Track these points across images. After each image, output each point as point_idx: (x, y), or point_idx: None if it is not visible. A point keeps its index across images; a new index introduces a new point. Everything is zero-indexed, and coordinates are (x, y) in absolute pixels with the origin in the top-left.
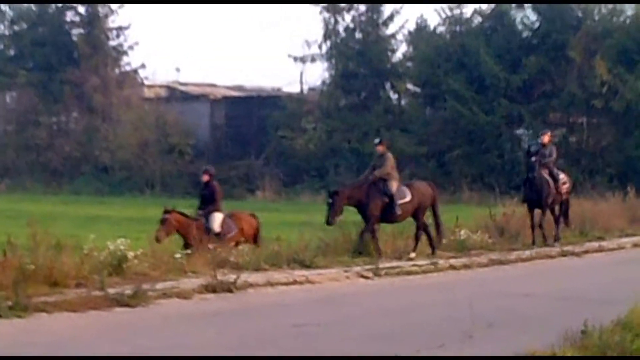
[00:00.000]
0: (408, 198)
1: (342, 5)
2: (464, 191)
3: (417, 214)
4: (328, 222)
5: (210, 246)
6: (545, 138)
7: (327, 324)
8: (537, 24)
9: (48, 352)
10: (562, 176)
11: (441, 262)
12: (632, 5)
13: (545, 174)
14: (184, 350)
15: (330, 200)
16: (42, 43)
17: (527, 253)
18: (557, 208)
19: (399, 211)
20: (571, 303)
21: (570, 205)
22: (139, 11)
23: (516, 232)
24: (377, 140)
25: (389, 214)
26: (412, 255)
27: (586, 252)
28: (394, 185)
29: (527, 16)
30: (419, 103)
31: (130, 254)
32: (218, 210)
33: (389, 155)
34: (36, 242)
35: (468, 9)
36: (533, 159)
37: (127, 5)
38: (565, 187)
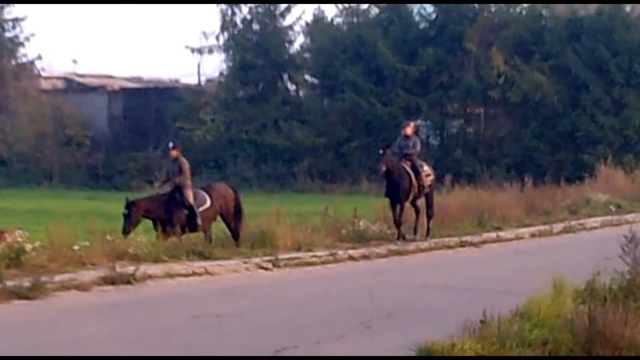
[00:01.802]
0: (208, 204)
1: None
2: (363, 182)
3: (224, 219)
4: (124, 232)
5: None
6: (408, 130)
7: (227, 315)
8: (433, 15)
9: None
10: (425, 168)
11: (340, 252)
12: None
13: (407, 166)
14: (83, 342)
15: (126, 212)
16: None
17: (426, 244)
18: (421, 201)
19: (200, 221)
20: (470, 293)
21: (433, 199)
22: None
23: (414, 223)
24: (171, 145)
25: (191, 226)
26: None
27: (484, 242)
28: (190, 195)
29: (424, 7)
30: (317, 94)
31: (29, 246)
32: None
33: (184, 159)
34: None
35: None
36: (381, 151)
37: None
38: (429, 180)
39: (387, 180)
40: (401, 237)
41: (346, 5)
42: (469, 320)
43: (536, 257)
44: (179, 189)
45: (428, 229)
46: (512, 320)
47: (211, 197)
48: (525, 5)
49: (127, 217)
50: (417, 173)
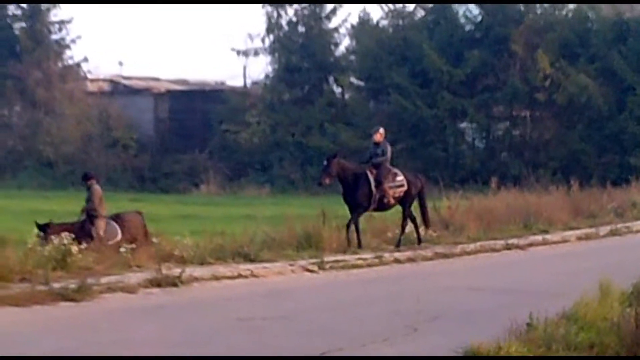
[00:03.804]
0: (119, 237)
1: None
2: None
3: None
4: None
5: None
6: (377, 136)
7: (272, 317)
8: (479, 18)
9: None
10: (399, 178)
11: (386, 255)
12: None
13: (370, 175)
14: (129, 344)
15: (41, 234)
16: None
17: (472, 246)
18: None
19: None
20: (516, 296)
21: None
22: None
23: (461, 226)
24: (85, 174)
25: None
26: None
27: (530, 245)
28: (102, 226)
29: (469, 10)
30: (363, 97)
31: (75, 248)
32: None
33: (96, 187)
34: None
35: (410, 3)
36: (325, 162)
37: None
38: (398, 191)
39: (342, 187)
40: (353, 244)
41: (392, 7)
42: (515, 323)
43: (582, 260)
44: (89, 218)
45: (418, 237)
46: (558, 323)
47: (122, 229)
48: (571, 7)
49: (42, 239)
50: (379, 183)
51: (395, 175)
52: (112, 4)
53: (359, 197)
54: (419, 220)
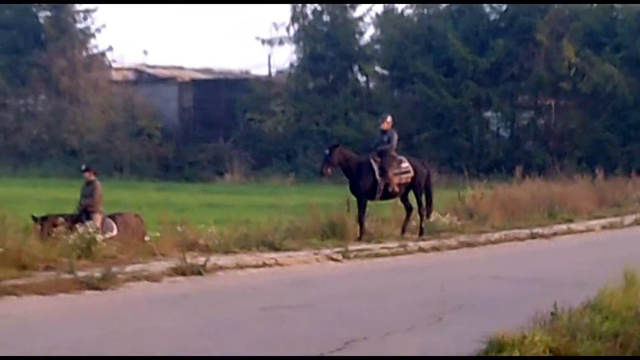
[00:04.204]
0: (114, 233)
1: None
2: (433, 174)
3: None
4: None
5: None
6: (385, 124)
7: (297, 306)
8: (504, 7)
9: (18, 335)
10: (404, 165)
11: (410, 244)
12: None
13: (374, 163)
14: (153, 333)
15: (39, 226)
16: (8, 26)
17: (496, 235)
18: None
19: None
20: (540, 285)
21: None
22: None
23: (485, 215)
24: (83, 167)
25: None
26: None
27: (555, 234)
28: (98, 220)
29: None
30: (387, 86)
31: (99, 237)
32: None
33: (98, 184)
34: (4, 225)
35: None
36: (327, 151)
37: None
38: (404, 177)
39: (347, 177)
40: (363, 234)
41: None
42: (539, 312)
43: (607, 249)
44: (86, 212)
45: (421, 228)
46: (582, 312)
47: (117, 226)
48: None
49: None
50: (384, 171)
51: (401, 162)
52: None
53: (363, 186)
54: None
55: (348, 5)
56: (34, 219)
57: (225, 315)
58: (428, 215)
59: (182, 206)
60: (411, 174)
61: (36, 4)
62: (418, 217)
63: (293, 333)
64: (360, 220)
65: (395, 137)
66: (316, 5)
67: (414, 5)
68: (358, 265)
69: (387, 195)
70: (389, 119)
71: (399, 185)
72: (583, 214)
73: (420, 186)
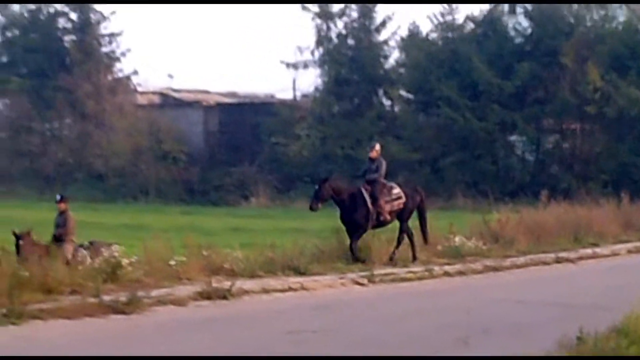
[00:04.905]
0: (87, 264)
1: (335, 11)
2: (458, 197)
3: None
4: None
5: None
6: (373, 153)
7: (322, 331)
8: (529, 30)
9: None
10: (395, 191)
11: (436, 269)
12: (624, 11)
13: (365, 192)
14: (180, 357)
15: (19, 243)
16: (34, 49)
17: (522, 259)
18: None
19: None
20: (566, 309)
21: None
22: (132, 18)
23: (510, 239)
24: (58, 197)
25: None
26: None
27: (580, 258)
28: (69, 250)
29: (519, 22)
30: (412, 109)
31: (125, 261)
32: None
33: (71, 214)
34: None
35: (460, 15)
36: (316, 187)
37: (119, 12)
38: (396, 204)
39: (339, 208)
40: (359, 261)
41: (441, 20)
42: (565, 336)
43: (633, 273)
44: (58, 241)
45: (414, 254)
46: (608, 336)
47: (91, 257)
48: (621, 19)
49: (17, 248)
50: (375, 199)
51: (391, 188)
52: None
53: (358, 217)
54: (418, 235)
55: (373, 29)
56: (15, 235)
57: (251, 339)
58: (426, 240)
59: (208, 230)
60: (403, 199)
61: (61, 29)
62: (409, 243)
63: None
64: (351, 249)
65: (384, 165)
66: (341, 29)
67: (439, 28)
68: (383, 289)
69: (380, 224)
70: (377, 147)
71: (391, 212)
72: (609, 238)
73: (410, 212)
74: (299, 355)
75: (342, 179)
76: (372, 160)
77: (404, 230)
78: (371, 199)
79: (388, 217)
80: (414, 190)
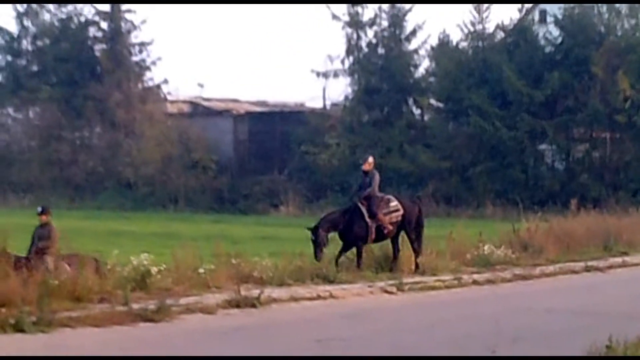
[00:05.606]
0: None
1: (365, 20)
2: (488, 206)
3: None
4: None
5: None
6: (366, 165)
7: (351, 339)
8: (559, 39)
9: None
10: (393, 204)
11: (465, 277)
12: None
13: (363, 208)
14: None
15: None
16: (65, 59)
17: (551, 268)
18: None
19: None
20: (595, 318)
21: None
22: (162, 27)
23: (540, 247)
24: (39, 209)
25: None
26: None
27: (610, 267)
28: (50, 262)
29: (549, 31)
30: (442, 118)
31: (154, 269)
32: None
33: (54, 226)
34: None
35: (490, 24)
36: (312, 237)
37: (150, 21)
38: (394, 216)
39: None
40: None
41: (471, 29)
42: (594, 345)
43: None
44: (41, 255)
45: (416, 264)
46: (638, 345)
47: (71, 268)
48: None
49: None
50: (373, 214)
51: (389, 201)
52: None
53: (356, 231)
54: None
55: (403, 38)
56: None
57: (280, 347)
58: (417, 254)
59: (237, 239)
60: (401, 212)
61: (92, 38)
62: (413, 254)
63: None
64: (359, 263)
65: (377, 177)
66: (371, 38)
67: (469, 37)
68: (412, 297)
69: (382, 237)
70: (370, 159)
71: (392, 224)
72: (638, 247)
73: (410, 224)
74: None
75: (332, 211)
76: (365, 173)
77: (411, 239)
78: (369, 213)
79: (390, 228)
80: (412, 202)
